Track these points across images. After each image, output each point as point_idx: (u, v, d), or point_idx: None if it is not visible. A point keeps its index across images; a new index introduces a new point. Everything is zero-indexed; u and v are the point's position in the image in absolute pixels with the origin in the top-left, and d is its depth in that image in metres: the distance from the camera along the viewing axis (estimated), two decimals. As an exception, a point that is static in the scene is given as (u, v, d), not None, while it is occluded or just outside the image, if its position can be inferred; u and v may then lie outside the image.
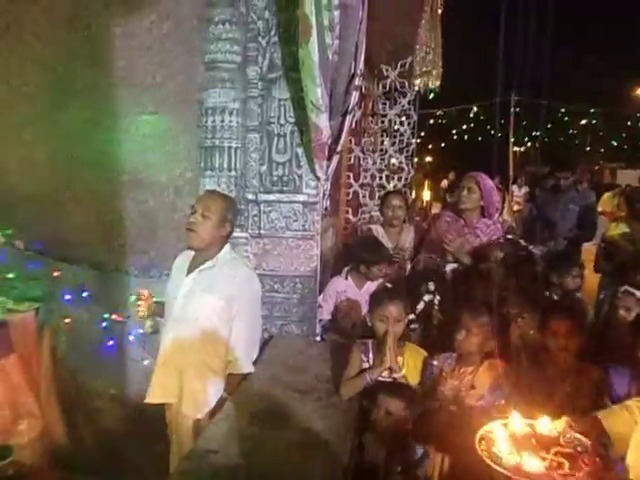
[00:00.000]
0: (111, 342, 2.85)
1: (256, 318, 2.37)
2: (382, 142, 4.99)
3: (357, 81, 2.46)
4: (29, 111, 3.26)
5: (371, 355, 2.31)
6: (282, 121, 2.89)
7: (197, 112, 2.95)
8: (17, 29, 3.25)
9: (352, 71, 2.40)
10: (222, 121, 2.92)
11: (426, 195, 10.63)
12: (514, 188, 10.43)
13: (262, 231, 2.96)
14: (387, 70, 4.65)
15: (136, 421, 2.70)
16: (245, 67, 2.91)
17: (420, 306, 2.77)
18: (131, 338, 2.87)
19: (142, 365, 2.83)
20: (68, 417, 2.77)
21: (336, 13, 2.12)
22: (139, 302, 2.34)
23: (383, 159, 4.83)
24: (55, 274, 3.06)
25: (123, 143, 3.08)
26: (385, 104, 4.87)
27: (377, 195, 4.81)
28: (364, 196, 4.83)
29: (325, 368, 2.47)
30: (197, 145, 2.96)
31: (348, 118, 2.60)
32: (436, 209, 10.08)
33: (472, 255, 3.05)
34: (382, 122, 4.95)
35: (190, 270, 2.34)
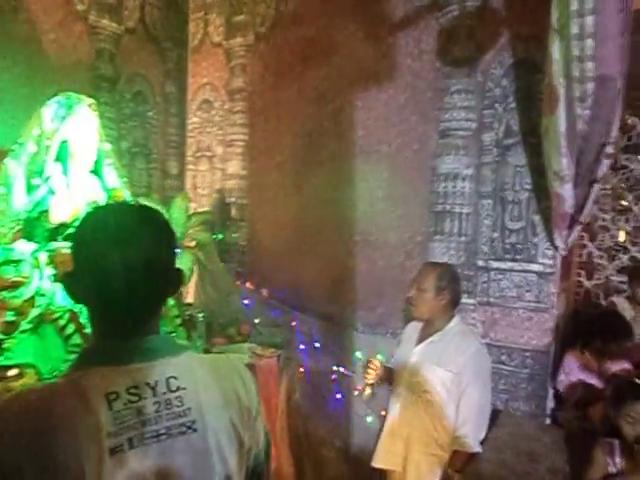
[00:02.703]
0: (339, 395, 3.02)
1: (485, 395, 2.28)
2: (624, 198, 4.48)
3: (609, 149, 2.27)
4: (280, 177, 3.73)
5: (617, 459, 2.03)
6: (517, 188, 2.81)
7: (429, 178, 3.05)
8: (274, 108, 3.79)
9: (604, 140, 2.23)
10: (454, 187, 2.96)
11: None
12: None
13: (491, 299, 2.88)
14: (632, 120, 4.20)
15: (359, 476, 2.79)
16: (480, 134, 2.93)
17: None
18: (356, 393, 3.00)
19: (366, 421, 2.94)
20: (296, 461, 2.98)
21: (590, 85, 2.01)
22: (369, 369, 2.43)
23: (627, 218, 4.32)
24: (292, 323, 3.38)
25: (358, 207, 3.31)
26: (628, 156, 4.39)
27: (615, 258, 4.31)
28: (600, 257, 4.37)
29: (560, 460, 2.26)
30: (428, 210, 3.05)
31: (596, 187, 2.41)
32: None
33: None
34: (624, 176, 4.45)
35: (419, 340, 2.37)
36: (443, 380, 2.24)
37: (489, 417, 2.30)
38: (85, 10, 3.45)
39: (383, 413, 2.80)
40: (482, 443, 2.25)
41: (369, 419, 2.92)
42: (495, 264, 2.86)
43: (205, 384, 0.96)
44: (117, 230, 0.90)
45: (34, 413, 0.84)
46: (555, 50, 2.13)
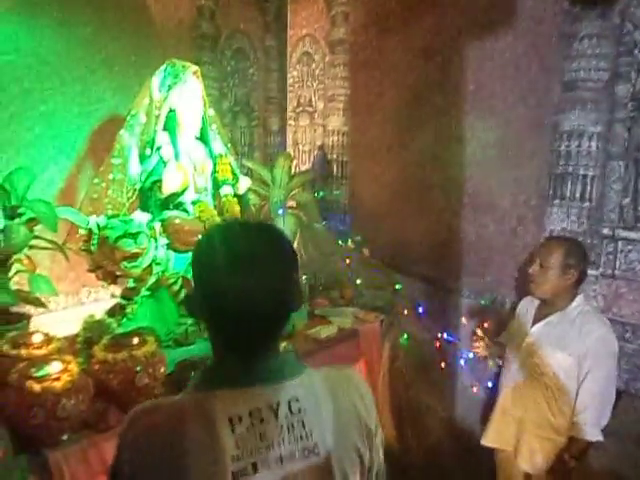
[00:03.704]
0: (443, 363, 2.96)
1: (609, 382, 2.11)
2: None
3: None
4: (383, 134, 3.58)
5: None
6: (657, 148, 2.47)
7: (550, 136, 2.77)
8: (377, 60, 3.58)
9: None
10: (579, 146, 2.67)
11: None
12: None
13: (616, 271, 2.62)
14: None
15: (461, 447, 2.76)
16: (613, 85, 2.58)
17: None
18: (461, 362, 2.92)
19: (470, 391, 2.87)
20: (398, 425, 2.99)
21: None
22: (475, 342, 2.35)
23: None
24: (396, 287, 3.31)
25: (467, 166, 3.11)
26: None
27: None
28: None
29: (693, 454, 2.07)
30: (547, 171, 2.79)
31: None
32: None
33: None
34: None
35: (536, 319, 2.23)
36: (562, 364, 2.10)
37: (612, 404, 2.15)
38: (186, -34, 3.40)
39: (489, 385, 2.72)
40: (603, 431, 2.11)
41: (474, 389, 2.85)
42: (624, 233, 2.58)
43: (326, 405, 0.93)
44: (237, 253, 0.87)
45: (163, 433, 0.86)
46: None
